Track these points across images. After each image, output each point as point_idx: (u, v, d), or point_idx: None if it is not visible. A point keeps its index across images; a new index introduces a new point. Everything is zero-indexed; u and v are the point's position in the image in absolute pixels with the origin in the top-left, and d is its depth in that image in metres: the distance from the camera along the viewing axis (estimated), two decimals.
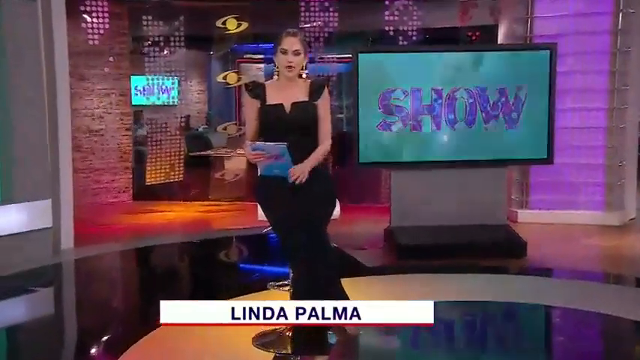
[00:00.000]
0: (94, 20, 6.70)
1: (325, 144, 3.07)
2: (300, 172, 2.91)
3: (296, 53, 2.99)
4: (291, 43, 2.99)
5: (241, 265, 5.11)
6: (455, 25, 7.37)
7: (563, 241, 5.28)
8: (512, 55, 4.90)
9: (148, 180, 7.41)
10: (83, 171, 7.25)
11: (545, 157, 4.96)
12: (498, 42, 6.46)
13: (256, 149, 2.89)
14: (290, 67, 2.99)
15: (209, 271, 4.72)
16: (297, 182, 2.89)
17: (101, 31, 6.77)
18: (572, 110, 5.86)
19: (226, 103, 12.57)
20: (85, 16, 6.69)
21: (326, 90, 3.12)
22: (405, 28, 6.69)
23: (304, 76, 3.12)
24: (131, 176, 7.61)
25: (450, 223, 4.86)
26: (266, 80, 3.33)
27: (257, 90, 3.09)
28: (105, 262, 4.97)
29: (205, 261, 5.07)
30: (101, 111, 7.40)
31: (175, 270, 5.03)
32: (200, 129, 11.74)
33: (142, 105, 8.83)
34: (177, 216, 6.74)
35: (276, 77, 3.11)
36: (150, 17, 6.99)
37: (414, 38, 6.68)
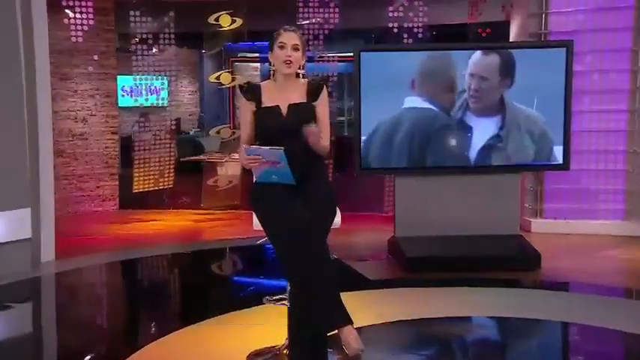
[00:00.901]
0: (78, 16, 6.71)
1: (323, 143, 3.07)
2: (316, 133, 2.90)
3: (295, 48, 3.00)
4: (289, 37, 3.00)
5: (235, 278, 5.10)
6: (464, 22, 7.39)
7: (581, 253, 5.27)
8: (525, 53, 4.90)
9: (135, 187, 7.40)
10: (65, 177, 7.25)
11: (561, 162, 4.96)
12: (510, 39, 6.48)
13: (252, 154, 2.89)
14: (288, 62, 2.99)
15: (201, 284, 4.70)
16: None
17: (85, 28, 6.77)
18: (589, 112, 5.87)
19: (219, 105, 12.63)
20: (68, 11, 6.70)
21: (325, 90, 3.12)
22: (411, 25, 6.70)
23: (302, 75, 3.12)
24: (117, 183, 7.61)
25: (459, 233, 4.85)
26: (262, 81, 3.34)
27: (252, 91, 3.10)
28: (88, 276, 4.96)
29: (197, 274, 5.06)
30: (85, 113, 7.40)
31: (164, 284, 5.02)
32: (191, 132, 11.76)
33: (130, 107, 8.86)
34: (166, 226, 6.73)
35: (272, 78, 3.12)
36: (138, 13, 7.00)
37: (420, 35, 6.69)
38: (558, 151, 4.91)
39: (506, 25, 6.68)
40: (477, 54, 4.83)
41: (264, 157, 2.87)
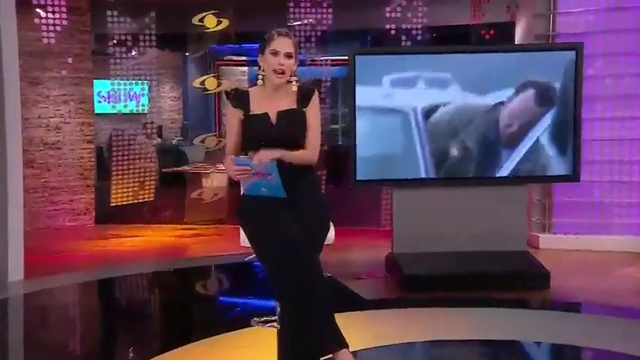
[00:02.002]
0: (50, 15, 6.72)
1: (309, 152, 3.08)
2: (260, 155, 2.90)
3: (288, 56, 3.02)
4: (283, 44, 3.02)
5: (221, 298, 5.09)
6: (466, 23, 7.44)
7: (593, 271, 5.29)
8: (531, 57, 4.94)
9: (113, 200, 7.39)
10: (36, 190, 7.23)
11: (571, 173, 4.99)
12: (515, 42, 6.53)
13: (241, 165, 2.91)
14: (281, 71, 3.01)
15: (184, 305, 4.69)
16: (257, 163, 2.86)
17: (58, 28, 6.79)
18: (601, 120, 5.91)
19: (204, 112, 12.64)
20: (39, 10, 6.71)
21: (316, 96, 3.14)
22: (410, 27, 6.74)
23: (294, 81, 3.15)
24: (93, 196, 7.60)
25: (462, 249, 4.87)
26: (250, 86, 3.36)
27: (240, 98, 3.11)
28: (60, 297, 4.93)
29: (180, 294, 5.05)
30: (58, 120, 7.39)
31: (144, 305, 5.00)
32: (174, 141, 11.76)
33: (107, 113, 8.87)
34: (147, 242, 6.72)
35: (260, 82, 3.14)
36: (116, 12, 7.02)
37: (419, 38, 6.73)
38: (568, 162, 4.93)
39: (511, 26, 6.74)
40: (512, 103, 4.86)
41: (254, 168, 2.89)
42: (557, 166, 4.95)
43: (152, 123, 7.80)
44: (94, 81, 7.81)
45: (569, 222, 6.01)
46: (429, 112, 4.85)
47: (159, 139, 10.32)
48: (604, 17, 5.90)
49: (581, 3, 5.94)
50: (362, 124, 4.82)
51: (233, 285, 5.37)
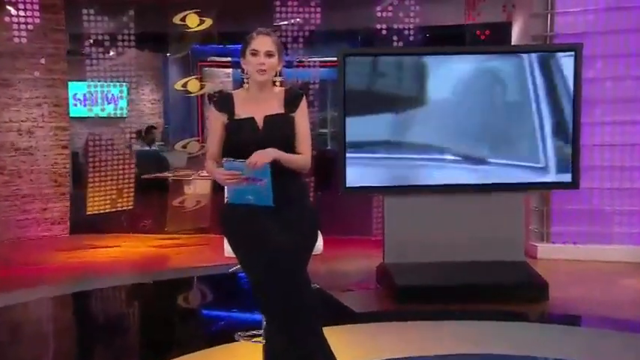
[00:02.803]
0: (22, 13, 6.68)
1: (303, 156, 3.10)
2: (256, 156, 2.89)
3: (269, 54, 3.04)
4: (262, 42, 3.04)
5: (204, 312, 5.08)
6: (460, 23, 7.48)
7: (593, 282, 5.33)
8: (528, 58, 4.98)
9: (89, 209, 7.37)
10: (7, 198, 7.20)
11: (570, 180, 5.02)
12: (512, 42, 6.58)
13: (231, 168, 2.91)
14: (262, 70, 3.03)
15: (165, 319, 4.68)
16: (253, 166, 2.87)
17: (30, 27, 6.75)
18: (601, 124, 5.96)
19: (186, 116, 12.63)
20: (10, 8, 6.68)
21: (304, 100, 3.16)
22: (401, 26, 6.77)
23: (278, 83, 3.16)
24: (68, 204, 7.57)
25: (456, 259, 4.90)
26: (234, 89, 3.37)
27: (224, 101, 3.13)
28: (32, 313, 4.91)
29: (160, 307, 5.03)
30: (30, 125, 7.36)
31: (122, 319, 4.98)
32: (155, 147, 11.73)
33: (83, 117, 8.84)
34: (125, 253, 6.70)
35: (246, 86, 3.15)
36: (92, 10, 7.01)
37: (412, 38, 6.76)
38: (567, 168, 4.98)
39: (507, 26, 6.79)
40: None
41: (245, 172, 2.89)
42: (555, 172, 4.99)
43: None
44: (69, 83, 7.78)
45: (568, 231, 6.05)
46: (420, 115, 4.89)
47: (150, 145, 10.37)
48: (604, 17, 5.95)
49: (580, 2, 6.00)
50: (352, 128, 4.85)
51: (216, 298, 5.37)
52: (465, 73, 4.92)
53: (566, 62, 4.91)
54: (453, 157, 4.93)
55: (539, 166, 4.97)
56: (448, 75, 4.90)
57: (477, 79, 4.91)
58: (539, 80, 4.91)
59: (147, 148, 10.10)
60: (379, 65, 4.95)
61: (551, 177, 4.99)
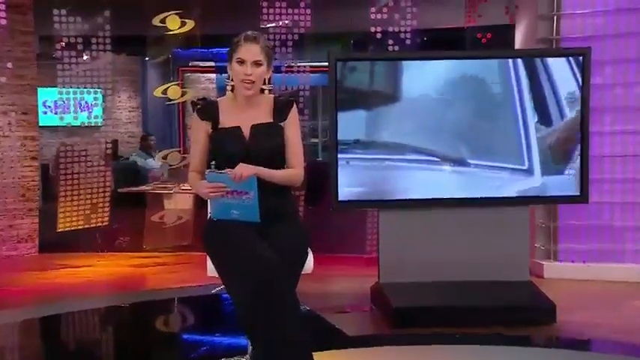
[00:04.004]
0: None
1: (295, 171, 3.12)
2: (241, 169, 2.91)
3: (257, 64, 3.06)
4: (250, 51, 3.05)
5: (185, 336, 5.07)
6: (460, 26, 7.54)
7: (604, 304, 5.35)
8: (532, 63, 5.02)
9: (60, 226, 7.35)
10: None
11: (578, 194, 5.06)
12: (515, 46, 6.63)
13: (216, 181, 2.92)
14: (248, 82, 3.05)
15: (142, 344, 4.67)
16: (238, 179, 2.88)
17: None
18: (611, 134, 6.00)
19: (166, 125, 12.66)
20: None
21: (294, 108, 3.19)
22: (397, 29, 6.81)
23: (267, 91, 3.18)
24: (37, 221, 7.55)
25: (457, 278, 4.91)
26: (219, 96, 3.39)
27: (208, 109, 3.15)
28: None
29: (137, 331, 5.02)
30: None
31: (95, 346, 4.96)
32: (132, 158, 11.73)
33: (54, 126, 8.83)
34: (99, 272, 6.69)
35: (230, 93, 3.17)
36: (63, 11, 7.01)
37: (408, 42, 6.79)
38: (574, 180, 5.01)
39: (510, 29, 6.85)
40: None
41: (230, 185, 2.90)
42: (562, 185, 5.02)
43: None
44: (39, 89, 7.77)
45: (577, 248, 6.07)
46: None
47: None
48: (613, 20, 6.00)
49: (588, 4, 6.04)
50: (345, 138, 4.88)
51: (199, 321, 5.35)
52: (454, 77, 4.95)
53: (573, 67, 4.95)
54: (444, 158, 4.95)
55: (522, 168, 4.99)
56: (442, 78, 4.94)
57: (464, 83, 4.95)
58: (547, 85, 4.95)
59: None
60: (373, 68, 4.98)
61: (558, 190, 5.01)
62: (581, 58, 4.96)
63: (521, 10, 6.67)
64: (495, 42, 7.63)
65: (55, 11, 6.99)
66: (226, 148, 3.07)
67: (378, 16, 6.80)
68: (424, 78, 4.92)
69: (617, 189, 6.02)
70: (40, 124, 7.96)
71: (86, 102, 7.68)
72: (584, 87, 4.95)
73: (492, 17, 7.31)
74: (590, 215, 5.95)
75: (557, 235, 6.14)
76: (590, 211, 5.86)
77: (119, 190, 8.49)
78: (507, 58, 5.02)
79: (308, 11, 6.89)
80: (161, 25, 7.34)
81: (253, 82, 3.05)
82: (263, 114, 3.13)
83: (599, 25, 6.01)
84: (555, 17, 6.11)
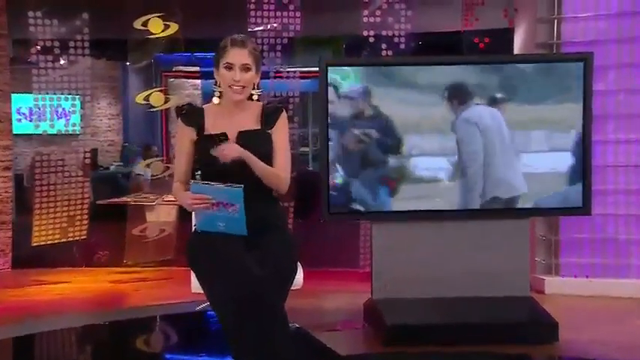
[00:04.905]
0: None
1: (283, 174, 3.13)
2: (228, 149, 2.94)
3: (245, 69, 3.07)
4: (238, 55, 3.07)
5: (168, 357, 5.06)
6: (456, 30, 7.56)
7: (609, 321, 5.35)
8: (532, 69, 5.05)
9: (35, 239, 7.32)
10: None
11: (580, 205, 5.08)
12: (514, 51, 6.66)
13: (201, 192, 2.92)
14: (237, 87, 3.06)
15: None
16: (222, 159, 2.91)
17: None
18: (615, 142, 6.02)
19: (149, 133, 12.65)
20: None
21: (284, 115, 3.21)
22: (391, 33, 6.83)
23: (255, 97, 3.20)
24: (10, 234, 7.52)
25: (454, 294, 4.91)
26: (204, 103, 3.40)
27: (193, 115, 3.16)
28: None
29: (117, 352, 5.00)
30: None
31: None
32: (112, 167, 11.74)
33: (29, 134, 8.80)
34: (77, 289, 6.66)
35: (217, 99, 3.18)
36: (39, 14, 7.00)
37: (402, 46, 6.81)
38: (576, 192, 5.03)
39: (508, 33, 6.88)
40: None
41: (215, 196, 2.91)
42: (564, 196, 5.04)
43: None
44: (13, 95, 7.75)
45: (580, 262, 6.08)
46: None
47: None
48: (616, 23, 6.02)
49: (590, 7, 6.06)
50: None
51: (183, 340, 5.34)
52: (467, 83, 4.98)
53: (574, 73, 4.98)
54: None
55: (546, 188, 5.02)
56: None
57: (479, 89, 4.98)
58: (547, 92, 4.98)
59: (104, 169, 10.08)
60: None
61: (560, 201, 5.03)
62: (582, 63, 4.99)
63: (520, 13, 6.70)
64: (493, 47, 7.65)
65: (30, 13, 6.97)
66: (212, 156, 3.07)
67: (371, 19, 6.83)
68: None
69: (621, 200, 6.03)
70: (14, 132, 7.93)
71: (63, 109, 7.68)
72: (586, 94, 4.96)
73: (490, 21, 7.33)
74: (593, 228, 5.97)
75: (559, 249, 6.14)
76: (593, 223, 5.88)
77: (98, 202, 8.47)
78: (505, 64, 5.06)
79: (298, 14, 6.90)
80: (143, 28, 7.33)
81: (244, 87, 3.07)
82: (250, 120, 3.14)
83: (601, 29, 6.03)
84: (556, 21, 6.14)
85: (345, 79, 4.92)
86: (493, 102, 4.93)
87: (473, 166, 4.95)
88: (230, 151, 2.96)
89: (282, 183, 3.16)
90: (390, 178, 4.94)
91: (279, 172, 3.16)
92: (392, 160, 4.92)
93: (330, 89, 4.86)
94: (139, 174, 9.63)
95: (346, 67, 5.05)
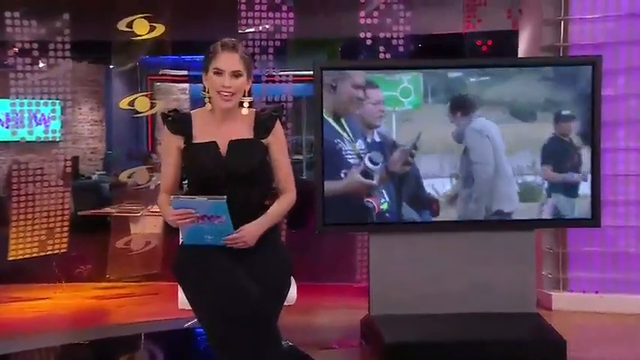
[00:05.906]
0: None
1: (288, 196, 3.15)
2: (248, 236, 2.96)
3: (236, 75, 3.08)
4: (228, 60, 3.08)
5: None
6: (457, 32, 7.59)
7: (619, 339, 5.37)
8: (538, 73, 5.08)
9: (11, 254, 7.31)
10: None
11: (589, 217, 5.09)
12: (519, 54, 6.69)
13: (182, 207, 2.93)
14: (227, 93, 3.07)
15: None
16: (235, 247, 2.93)
17: None
18: (625, 150, 6.04)
19: (134, 140, 12.66)
20: None
21: (278, 124, 3.22)
22: (389, 35, 6.85)
23: (247, 103, 3.20)
24: None
25: (455, 310, 4.92)
26: (192, 109, 3.41)
27: (180, 122, 3.17)
28: None
29: None
30: None
31: None
32: (94, 177, 11.74)
33: (5, 141, 8.82)
34: (56, 306, 6.65)
35: (208, 106, 3.19)
36: (17, 14, 6.99)
37: (401, 49, 6.83)
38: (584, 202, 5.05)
39: (513, 35, 6.90)
40: None
41: (199, 210, 2.91)
42: (572, 207, 5.06)
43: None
44: None
45: (589, 277, 6.09)
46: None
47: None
48: (627, 24, 6.04)
49: (598, 7, 6.09)
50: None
51: (169, 358, 5.34)
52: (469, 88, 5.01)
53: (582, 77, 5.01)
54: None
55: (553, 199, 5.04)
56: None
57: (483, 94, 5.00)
58: (554, 98, 5.01)
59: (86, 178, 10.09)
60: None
61: (568, 213, 5.05)
62: (591, 67, 5.02)
63: (525, 14, 6.72)
64: (497, 49, 7.68)
65: (8, 14, 6.94)
66: (200, 165, 3.07)
67: (368, 20, 6.83)
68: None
69: (633, 212, 6.04)
70: None
71: (42, 114, 7.67)
72: (594, 99, 4.98)
73: (493, 22, 7.36)
74: (603, 241, 5.98)
75: (567, 263, 6.15)
76: (604, 236, 5.90)
77: (80, 213, 8.45)
78: (509, 67, 5.08)
79: (291, 15, 6.88)
80: (127, 29, 7.32)
81: (233, 93, 3.08)
82: (242, 129, 3.14)
83: (610, 31, 6.05)
84: (563, 22, 6.15)
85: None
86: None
87: (482, 177, 4.97)
88: (249, 239, 3.00)
89: (292, 203, 3.22)
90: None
91: (287, 196, 3.19)
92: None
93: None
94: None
95: (342, 71, 5.07)
